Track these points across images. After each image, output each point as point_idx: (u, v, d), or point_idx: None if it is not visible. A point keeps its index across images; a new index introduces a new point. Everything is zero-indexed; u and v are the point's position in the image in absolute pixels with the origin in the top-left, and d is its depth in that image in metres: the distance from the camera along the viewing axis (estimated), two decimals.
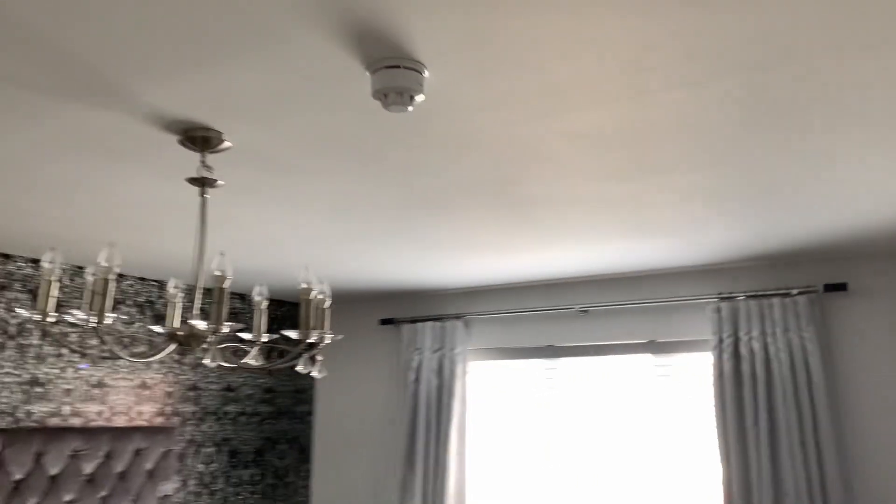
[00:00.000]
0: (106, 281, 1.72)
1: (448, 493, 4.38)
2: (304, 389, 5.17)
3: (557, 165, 2.36)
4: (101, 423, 3.95)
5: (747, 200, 2.75)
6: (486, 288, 4.67)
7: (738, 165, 2.37)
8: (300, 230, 3.22)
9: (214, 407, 4.56)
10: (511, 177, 2.47)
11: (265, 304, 2.34)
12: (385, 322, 4.93)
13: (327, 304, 2.09)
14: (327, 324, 2.02)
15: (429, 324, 4.69)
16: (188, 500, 4.33)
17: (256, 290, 2.32)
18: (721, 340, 3.81)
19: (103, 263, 1.72)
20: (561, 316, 4.43)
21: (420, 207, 2.86)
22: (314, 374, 2.16)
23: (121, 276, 4.13)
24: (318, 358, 2.04)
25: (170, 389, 4.32)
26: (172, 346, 1.95)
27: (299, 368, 1.98)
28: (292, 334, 1.90)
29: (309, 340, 1.94)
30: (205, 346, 1.79)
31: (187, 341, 1.96)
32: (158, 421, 4.24)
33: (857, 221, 3.09)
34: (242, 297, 4.81)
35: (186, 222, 3.05)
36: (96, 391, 3.96)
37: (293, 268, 3.96)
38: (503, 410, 4.60)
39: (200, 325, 1.89)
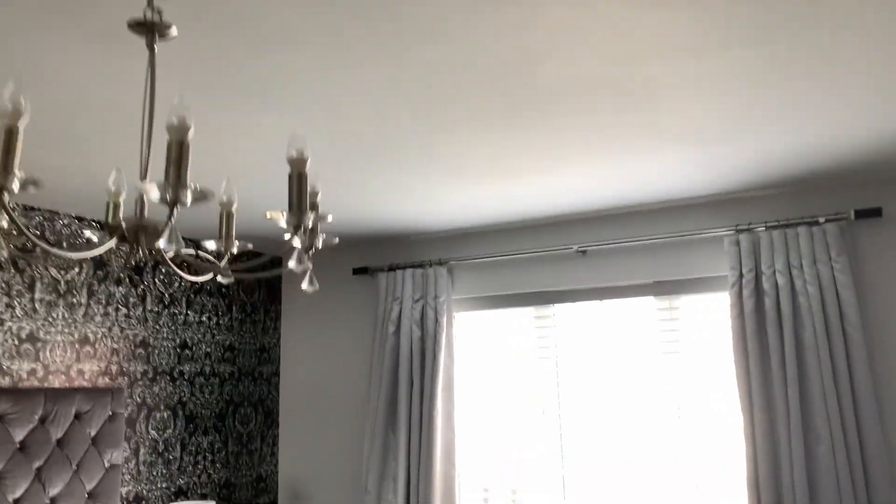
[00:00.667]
0: (11, 131, 1.20)
1: (436, 454, 3.95)
2: (268, 347, 4.65)
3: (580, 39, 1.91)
4: (33, 383, 3.39)
5: (790, 93, 2.34)
6: (471, 230, 4.21)
7: (791, 42, 1.95)
8: (257, 148, 2.70)
9: (168, 366, 4.02)
10: (531, 54, 2.01)
11: (234, 206, 1.85)
12: (359, 271, 4.44)
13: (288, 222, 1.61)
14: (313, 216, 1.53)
15: (409, 271, 4.22)
16: (139, 471, 3.80)
17: (223, 187, 1.83)
18: (741, 276, 3.43)
19: (5, 104, 1.20)
20: (556, 258, 4.00)
21: (406, 106, 2.37)
22: (304, 285, 1.68)
23: (52, 215, 3.55)
24: (310, 265, 1.56)
25: (115, 346, 3.77)
26: (113, 242, 1.45)
27: (292, 264, 1.50)
28: (283, 222, 1.42)
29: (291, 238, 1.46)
30: (160, 244, 1.30)
31: (134, 235, 1.46)
32: (103, 382, 3.69)
33: (891, 136, 2.73)
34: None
35: (129, 129, 2.51)
36: (27, 346, 3.39)
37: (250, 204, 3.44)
38: (494, 364, 4.17)
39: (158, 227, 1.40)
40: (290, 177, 1.48)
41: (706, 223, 3.62)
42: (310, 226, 1.46)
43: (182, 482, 4.01)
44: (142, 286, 3.93)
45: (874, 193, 3.30)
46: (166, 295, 4.05)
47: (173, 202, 1.29)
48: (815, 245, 3.29)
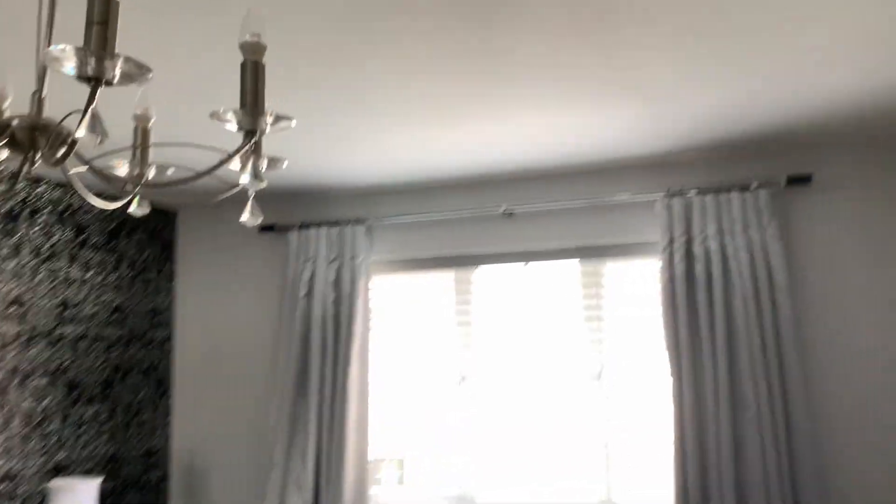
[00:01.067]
0: None
1: (348, 425, 3.70)
2: (161, 310, 4.23)
3: None
4: None
5: (723, 51, 2.24)
6: (393, 188, 3.95)
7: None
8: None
9: (46, 328, 3.55)
10: None
11: (152, 121, 1.54)
12: (266, 229, 4.09)
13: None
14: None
15: (323, 229, 3.92)
16: (11, 446, 3.34)
17: (139, 96, 1.52)
18: (672, 241, 3.37)
19: None
20: (480, 220, 3.82)
21: (321, 34, 2.10)
22: (246, 217, 1.40)
23: None
24: (263, 183, 1.28)
25: None
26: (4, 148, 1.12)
27: (245, 180, 1.22)
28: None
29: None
30: (79, 133, 0.99)
31: (29, 136, 1.13)
32: None
33: (823, 101, 2.72)
34: None
35: None
36: None
37: None
38: (412, 329, 3.95)
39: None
40: (244, 66, 1.19)
41: (638, 186, 3.54)
42: (266, 130, 1.18)
43: (62, 457, 3.57)
44: (17, 235, 3.43)
45: (805, 159, 3.30)
46: (45, 246, 3.57)
47: (97, 76, 0.98)
48: (746, 211, 3.27)
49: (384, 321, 3.98)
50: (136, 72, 1.00)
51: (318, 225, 3.94)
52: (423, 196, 3.92)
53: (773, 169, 3.32)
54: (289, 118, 1.21)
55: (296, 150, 3.26)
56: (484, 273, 3.87)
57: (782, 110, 2.85)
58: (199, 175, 1.24)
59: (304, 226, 3.98)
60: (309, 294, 3.88)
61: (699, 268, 3.29)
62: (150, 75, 1.01)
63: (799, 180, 3.24)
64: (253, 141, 1.18)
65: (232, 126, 1.17)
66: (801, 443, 3.07)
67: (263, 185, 1.27)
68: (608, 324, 3.62)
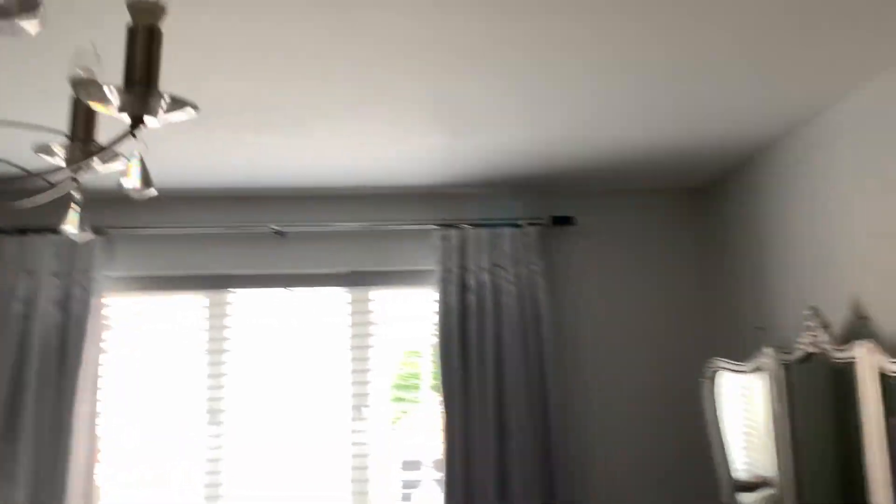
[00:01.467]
0: None
1: (72, 470, 3.10)
2: None
3: None
4: None
5: (503, 96, 2.35)
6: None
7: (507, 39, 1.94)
8: None
9: None
10: None
11: None
12: None
13: None
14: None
15: (49, 237, 3.28)
16: None
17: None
18: (448, 271, 3.39)
19: None
20: (244, 238, 3.50)
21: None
22: (67, 226, 1.05)
23: None
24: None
25: None
26: None
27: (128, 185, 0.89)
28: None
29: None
30: None
31: None
32: None
33: (587, 150, 2.97)
34: None
35: None
36: None
37: None
38: (156, 358, 3.47)
39: None
40: (133, 31, 0.89)
41: (416, 215, 3.51)
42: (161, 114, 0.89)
43: None
44: None
45: (569, 202, 3.54)
46: None
47: None
48: (517, 246, 3.40)
49: (122, 348, 3.44)
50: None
51: (42, 231, 3.29)
52: (177, 206, 3.46)
53: (542, 208, 3.51)
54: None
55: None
56: (243, 297, 3.54)
57: (549, 156, 3.04)
58: None
59: (22, 231, 3.30)
60: (28, 315, 3.21)
61: (472, 299, 3.35)
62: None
63: (562, 221, 3.47)
64: (135, 126, 0.88)
65: (112, 111, 0.86)
66: (559, 472, 3.23)
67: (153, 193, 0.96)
68: (375, 353, 3.52)
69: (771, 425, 2.57)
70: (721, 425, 2.95)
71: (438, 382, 3.29)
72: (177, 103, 0.90)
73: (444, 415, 3.26)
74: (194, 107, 0.92)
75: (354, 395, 3.47)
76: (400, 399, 3.61)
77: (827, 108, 2.52)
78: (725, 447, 2.93)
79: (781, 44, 2.04)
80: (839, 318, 2.38)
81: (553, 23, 1.89)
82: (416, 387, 3.62)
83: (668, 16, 1.86)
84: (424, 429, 3.46)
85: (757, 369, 2.68)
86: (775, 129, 2.76)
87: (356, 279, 3.55)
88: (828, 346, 2.31)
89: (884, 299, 2.23)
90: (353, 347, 3.51)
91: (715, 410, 2.97)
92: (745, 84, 2.32)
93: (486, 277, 3.36)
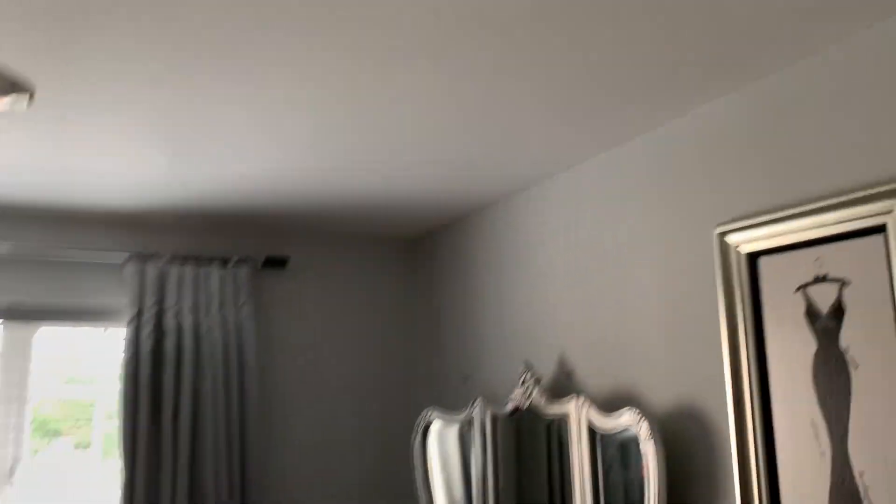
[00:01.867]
0: None
1: None
2: None
3: None
4: None
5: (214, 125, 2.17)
6: None
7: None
8: None
9: None
10: None
11: None
12: None
13: None
14: None
15: None
16: None
17: None
18: (141, 311, 2.95)
19: None
20: None
21: None
22: None
23: None
24: None
25: None
26: None
27: None
28: None
29: None
30: None
31: None
32: None
33: (301, 192, 2.80)
34: None
35: None
36: None
37: None
38: None
39: None
40: None
41: (106, 243, 3.02)
42: None
43: None
44: None
45: (282, 242, 3.33)
46: None
47: None
48: (225, 287, 3.10)
49: None
50: None
51: None
52: None
53: (255, 247, 3.25)
54: None
55: None
56: None
57: (264, 192, 2.78)
58: None
59: None
60: None
61: (169, 344, 2.95)
62: None
63: (276, 262, 3.25)
64: None
65: None
66: None
67: None
68: (33, 405, 2.91)
69: (480, 474, 2.61)
70: (430, 474, 2.93)
71: (121, 439, 2.81)
72: None
73: (124, 474, 2.79)
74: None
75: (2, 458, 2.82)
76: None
77: (546, 177, 2.67)
78: (432, 495, 2.91)
79: (496, 118, 2.07)
80: (550, 371, 2.52)
81: (271, 71, 1.73)
82: (85, 444, 3.07)
83: (399, 69, 1.77)
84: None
85: (468, 420, 2.72)
86: (490, 194, 2.84)
87: (18, 314, 2.93)
88: (540, 399, 2.41)
89: (585, 356, 2.40)
90: (5, 399, 2.87)
91: (424, 459, 2.94)
92: (466, 148, 2.32)
93: (187, 320, 2.99)
